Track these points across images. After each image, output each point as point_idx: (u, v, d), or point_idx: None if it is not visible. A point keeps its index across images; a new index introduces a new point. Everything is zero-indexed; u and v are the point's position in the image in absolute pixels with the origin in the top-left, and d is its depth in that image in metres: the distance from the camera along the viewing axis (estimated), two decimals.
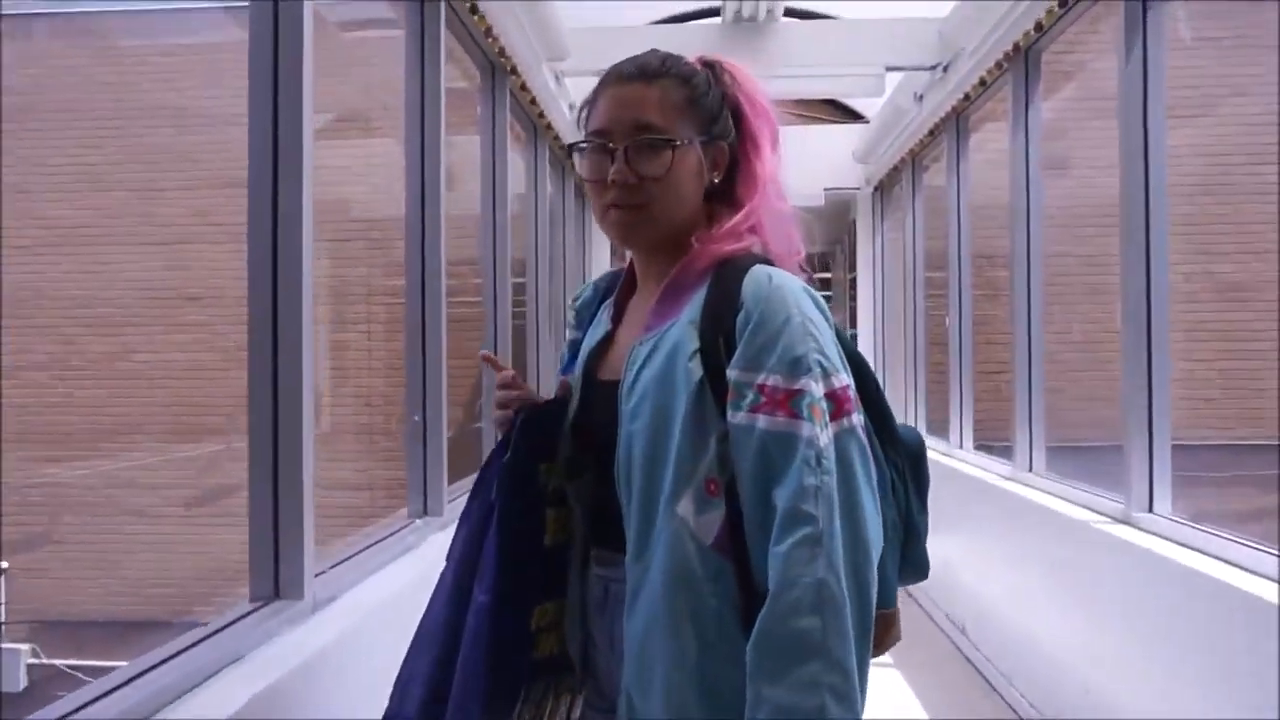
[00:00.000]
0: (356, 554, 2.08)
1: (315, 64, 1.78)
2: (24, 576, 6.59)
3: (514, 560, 1.11)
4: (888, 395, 1.22)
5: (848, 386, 1.00)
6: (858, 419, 0.99)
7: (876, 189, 5.99)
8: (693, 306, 1.06)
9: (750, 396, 0.97)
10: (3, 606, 6.56)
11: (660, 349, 1.06)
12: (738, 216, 1.11)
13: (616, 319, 1.21)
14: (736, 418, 0.98)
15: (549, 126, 4.63)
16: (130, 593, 6.45)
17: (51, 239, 6.94)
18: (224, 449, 6.09)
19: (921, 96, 4.36)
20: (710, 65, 1.16)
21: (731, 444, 0.98)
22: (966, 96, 3.98)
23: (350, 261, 6.56)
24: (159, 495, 6.35)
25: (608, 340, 1.20)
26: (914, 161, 5.16)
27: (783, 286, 1.02)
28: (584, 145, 1.14)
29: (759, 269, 1.04)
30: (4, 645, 6.44)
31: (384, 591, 1.97)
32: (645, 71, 1.11)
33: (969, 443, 4.23)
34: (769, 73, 4.86)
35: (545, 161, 4.85)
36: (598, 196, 1.13)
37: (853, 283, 6.02)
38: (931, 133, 4.61)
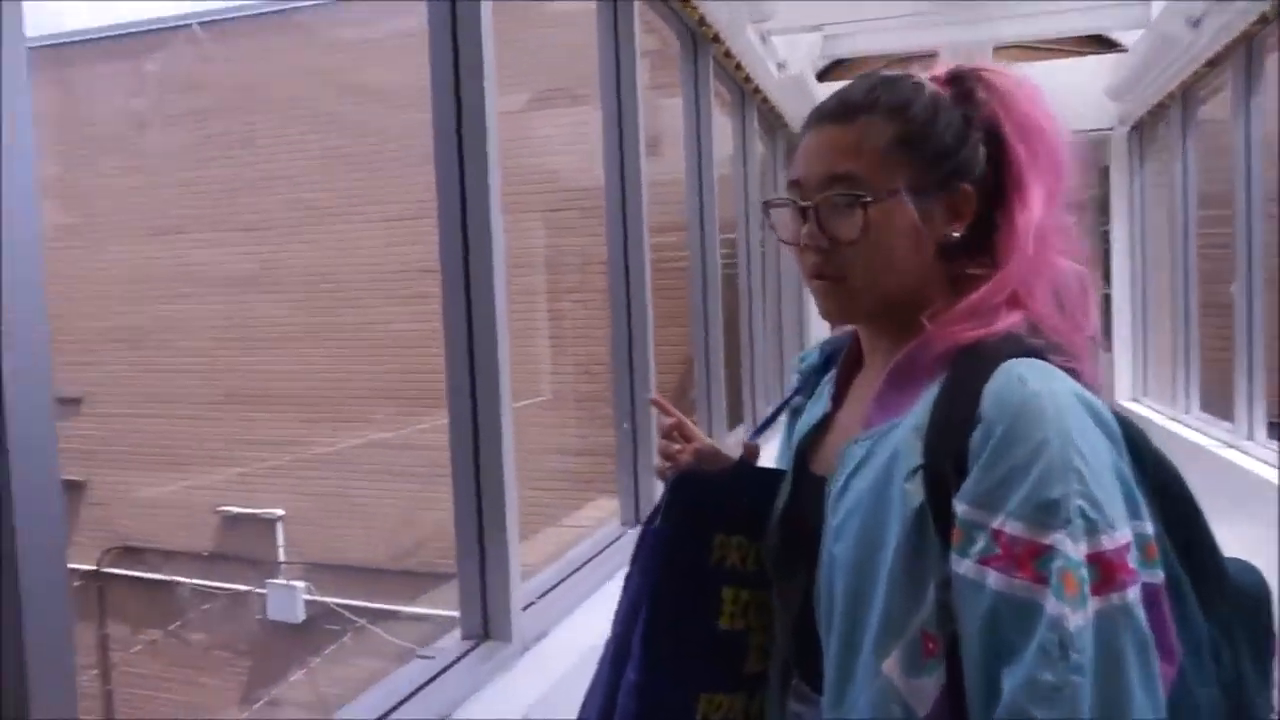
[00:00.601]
0: (566, 578, 2.07)
1: (518, 36, 1.77)
2: (298, 524, 7.47)
3: (671, 639, 0.98)
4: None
5: (1126, 547, 0.72)
6: (1134, 594, 0.72)
7: (1134, 129, 5.21)
8: (921, 406, 0.83)
9: (981, 542, 0.74)
10: (281, 548, 7.48)
11: (876, 455, 0.85)
12: (986, 287, 0.85)
13: (837, 399, 1.00)
14: (962, 566, 0.75)
15: (756, 90, 4.39)
16: (383, 543, 7.12)
17: (301, 219, 7.64)
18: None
19: (1199, 21, 3.68)
20: (957, 79, 0.91)
21: (955, 595, 0.76)
22: (1263, 19, 3.30)
23: (564, 230, 6.70)
24: (410, 456, 6.90)
25: (826, 423, 1.00)
26: (1184, 97, 4.41)
27: (1041, 394, 0.75)
28: (777, 203, 0.94)
29: (1011, 365, 0.79)
30: (286, 582, 7.36)
31: (597, 618, 1.94)
32: (846, 108, 0.89)
33: (1260, 431, 3.59)
34: (1012, 12, 4.32)
35: (754, 124, 4.64)
36: (797, 262, 0.93)
37: (1105, 235, 5.31)
38: (1210, 63, 3.90)
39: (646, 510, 2.50)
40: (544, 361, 6.91)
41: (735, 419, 3.97)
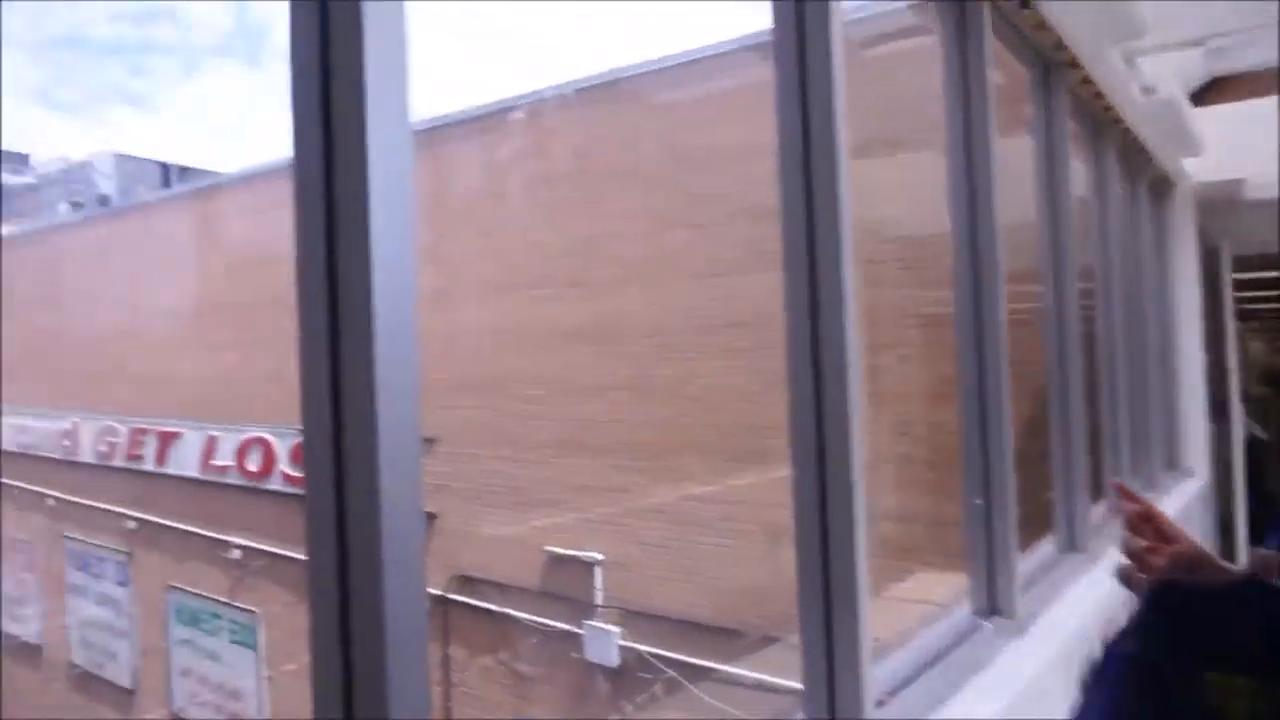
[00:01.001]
0: (920, 674, 1.84)
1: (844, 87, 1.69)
2: (614, 569, 7.77)
3: None
4: None
5: None
6: None
7: None
8: None
9: None
10: (599, 591, 7.80)
11: None
12: None
13: None
14: None
15: (1116, 120, 3.89)
16: (697, 596, 7.16)
17: (624, 275, 8.07)
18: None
19: None
20: None
21: None
22: None
23: (880, 284, 6.43)
24: (722, 510, 6.94)
25: None
26: None
27: None
28: None
29: None
30: (602, 625, 7.66)
31: None
32: None
33: None
34: None
35: (1111, 159, 4.11)
36: None
37: None
38: None
39: (1004, 599, 2.19)
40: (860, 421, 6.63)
41: (1096, 492, 3.46)
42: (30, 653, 16.02)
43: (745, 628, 6.54)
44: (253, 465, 11.11)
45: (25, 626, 16.03)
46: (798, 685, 1.61)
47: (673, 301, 7.71)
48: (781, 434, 1.73)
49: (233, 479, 11.40)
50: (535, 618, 8.31)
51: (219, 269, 12.18)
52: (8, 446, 16.28)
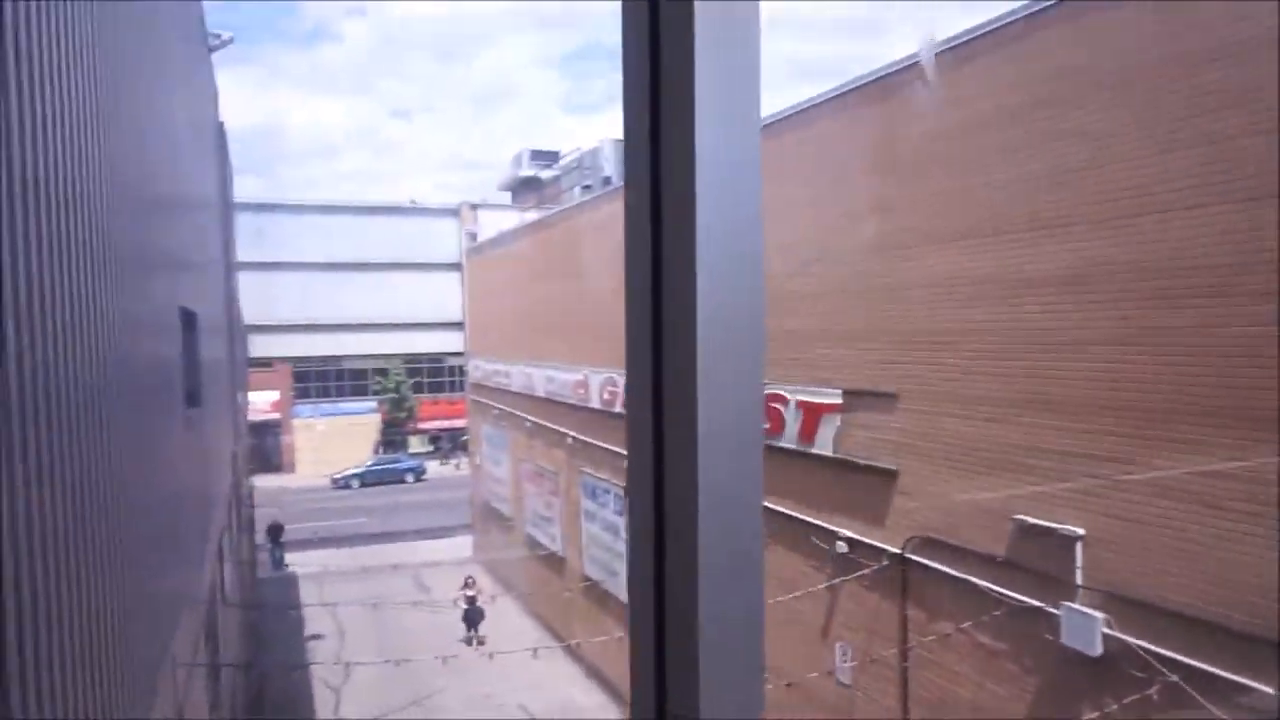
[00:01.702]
0: None
1: None
2: (1100, 547, 6.78)
3: None
4: None
5: None
6: None
7: None
8: None
9: None
10: (1079, 570, 6.89)
11: None
12: None
13: None
14: None
15: None
16: (1212, 590, 5.94)
17: (1098, 213, 6.86)
18: None
19: None
20: None
21: None
22: None
23: None
24: (1254, 490, 5.65)
25: None
26: None
27: None
28: None
29: None
30: (1082, 608, 6.76)
31: None
32: None
33: None
34: None
35: None
36: None
37: None
38: None
39: None
40: None
41: None
42: (556, 562, 19.41)
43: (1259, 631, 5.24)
44: None
45: (553, 541, 19.46)
46: None
47: (1159, 239, 6.36)
48: None
49: None
50: (1003, 590, 7.65)
51: None
52: (540, 393, 19.78)
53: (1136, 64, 6.58)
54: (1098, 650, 6.58)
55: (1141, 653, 6.24)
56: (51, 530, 2.77)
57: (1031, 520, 7.30)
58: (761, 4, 0.89)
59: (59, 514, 2.74)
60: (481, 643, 19.33)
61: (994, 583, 7.72)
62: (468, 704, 16.62)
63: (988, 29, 7.77)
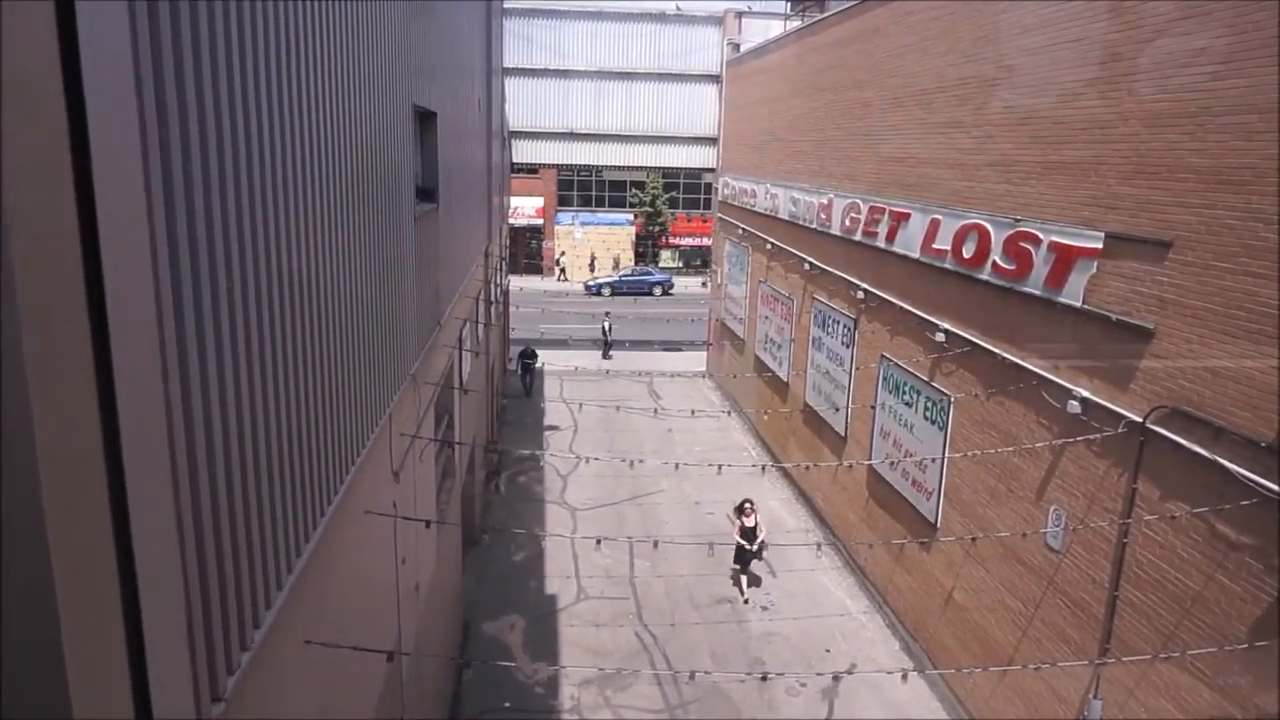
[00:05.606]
0: None
1: None
2: None
3: None
4: None
5: None
6: None
7: None
8: None
9: None
10: None
11: None
12: None
13: None
14: None
15: None
16: None
17: None
18: None
19: None
20: None
21: None
22: None
23: None
24: None
25: None
26: None
27: None
28: None
29: None
30: None
31: None
32: None
33: None
34: None
35: None
36: None
37: None
38: None
39: None
40: None
41: None
42: (781, 385, 19.49)
43: None
44: (967, 252, 10.94)
45: (781, 366, 19.46)
46: None
47: None
48: None
49: (948, 264, 11.44)
50: (1257, 478, 6.61)
51: None
52: (783, 215, 19.20)
53: None
54: None
55: None
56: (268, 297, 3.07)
57: None
58: None
59: (285, 277, 3.02)
60: (755, 584, 14.52)
61: (1249, 469, 6.67)
62: (678, 506, 17.68)
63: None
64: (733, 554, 14.54)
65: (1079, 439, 8.72)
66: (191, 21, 2.46)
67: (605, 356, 29.77)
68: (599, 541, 14.33)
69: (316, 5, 3.93)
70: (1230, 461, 6.86)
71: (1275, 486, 6.42)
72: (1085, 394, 8.63)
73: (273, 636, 3.30)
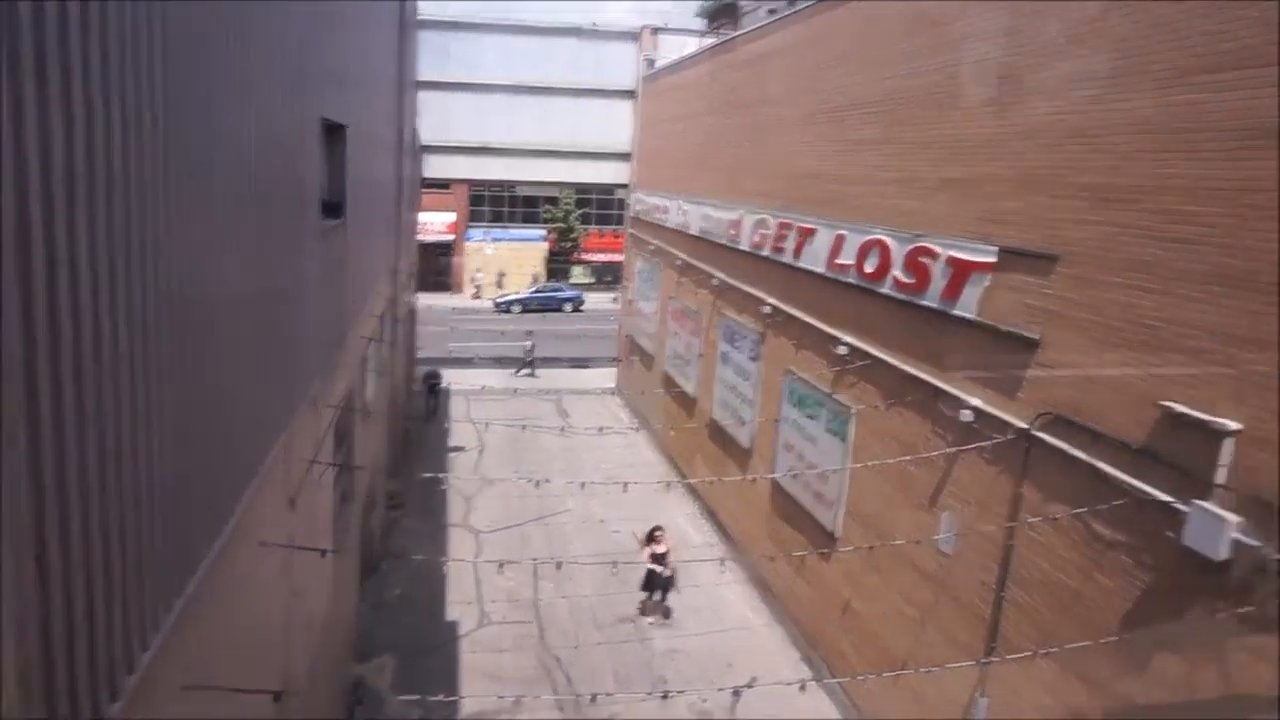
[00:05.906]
0: None
1: None
2: (1253, 446, 5.92)
3: None
4: None
5: None
6: None
7: None
8: None
9: None
10: (1223, 469, 6.08)
11: None
12: None
13: None
14: None
15: None
16: None
17: None
18: None
19: None
20: None
21: None
22: None
23: None
24: None
25: None
26: None
27: None
28: None
29: None
30: (1213, 508, 6.01)
31: None
32: None
33: None
34: None
35: None
36: None
37: None
38: None
39: None
40: None
41: None
42: (689, 401, 19.60)
43: None
44: (869, 267, 11.23)
45: (688, 382, 19.58)
46: None
47: None
48: None
49: (852, 278, 11.72)
50: (1128, 479, 6.93)
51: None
52: (694, 230, 19.40)
53: None
54: (1221, 555, 5.86)
55: (1274, 562, 5.49)
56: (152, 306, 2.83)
57: (1180, 408, 6.45)
58: None
59: (159, 291, 2.75)
60: (664, 615, 14.07)
61: (1123, 471, 6.99)
62: (583, 525, 17.51)
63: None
64: (641, 580, 14.29)
65: (971, 447, 9.00)
66: (59, 18, 2.23)
67: (531, 375, 29.49)
68: (501, 565, 14.07)
69: (211, 7, 3.70)
70: (1106, 464, 7.18)
71: (1145, 486, 6.74)
72: (977, 403, 8.93)
73: (147, 682, 3.02)
